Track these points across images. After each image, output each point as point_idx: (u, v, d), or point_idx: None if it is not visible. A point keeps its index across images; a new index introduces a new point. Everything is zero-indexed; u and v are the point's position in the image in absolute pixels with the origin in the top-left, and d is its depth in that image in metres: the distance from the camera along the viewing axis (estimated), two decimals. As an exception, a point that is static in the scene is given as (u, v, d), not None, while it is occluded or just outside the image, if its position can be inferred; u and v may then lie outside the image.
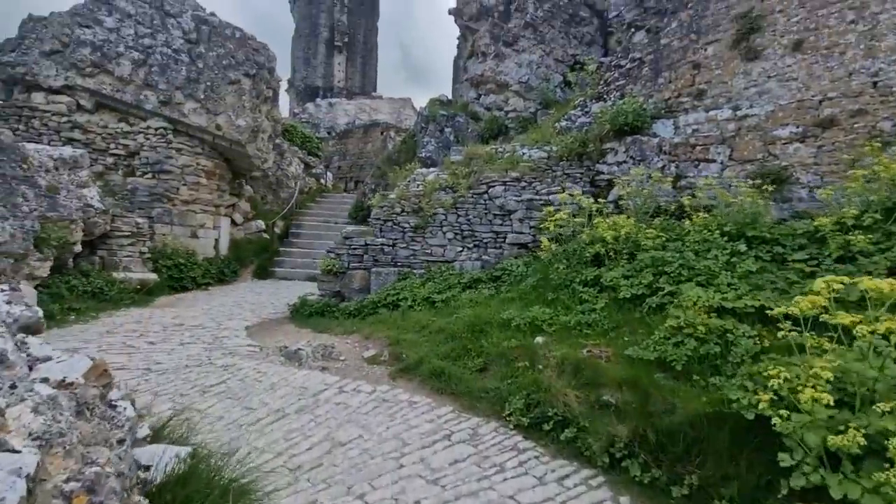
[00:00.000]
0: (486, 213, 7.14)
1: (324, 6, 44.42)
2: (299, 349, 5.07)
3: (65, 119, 9.49)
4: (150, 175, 9.80)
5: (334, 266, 7.29)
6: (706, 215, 5.01)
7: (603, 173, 6.93)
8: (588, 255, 4.75)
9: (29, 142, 9.44)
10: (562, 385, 3.52)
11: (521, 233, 6.94)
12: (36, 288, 5.70)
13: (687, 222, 5.02)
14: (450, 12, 12.42)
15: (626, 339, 3.94)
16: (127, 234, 8.24)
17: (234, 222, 12.46)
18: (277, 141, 14.26)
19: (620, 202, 6.15)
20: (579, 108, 8.13)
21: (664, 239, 4.73)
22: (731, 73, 5.88)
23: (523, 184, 7.05)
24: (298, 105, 30.86)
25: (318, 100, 24.86)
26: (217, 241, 11.22)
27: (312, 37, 42.92)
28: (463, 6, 11.68)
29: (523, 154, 7.64)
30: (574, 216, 5.70)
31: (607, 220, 5.19)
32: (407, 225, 7.32)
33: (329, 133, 22.70)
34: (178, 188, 10.04)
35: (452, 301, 5.70)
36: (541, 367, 3.78)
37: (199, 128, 10.07)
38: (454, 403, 3.89)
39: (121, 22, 9.72)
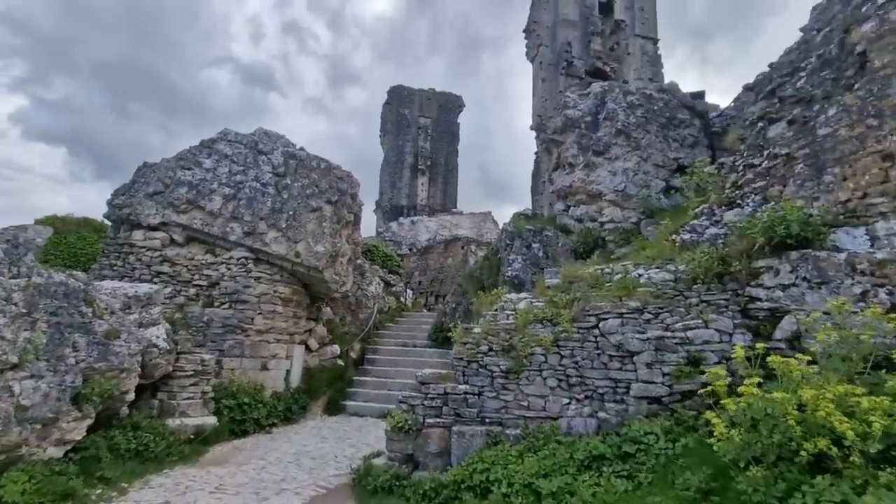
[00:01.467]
0: (598, 354, 5.50)
1: (409, 136, 48.79)
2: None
3: (157, 254, 9.74)
4: (226, 305, 9.50)
5: (406, 422, 5.85)
6: None
7: (760, 300, 5.14)
8: (805, 452, 2.87)
9: (124, 277, 9.75)
10: None
11: (651, 382, 5.14)
12: (66, 455, 4.90)
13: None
14: (531, 128, 12.03)
15: None
16: (190, 373, 7.59)
17: (308, 348, 11.76)
18: (358, 262, 14.02)
19: (804, 345, 4.28)
20: (704, 217, 6.61)
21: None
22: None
23: (647, 315, 5.41)
24: (384, 224, 32.25)
25: (402, 218, 25.61)
26: (289, 371, 10.41)
27: (399, 163, 46.67)
28: (546, 120, 11.23)
29: (639, 276, 6.10)
30: (726, 361, 3.90)
31: (803, 377, 3.38)
32: (496, 368, 5.84)
33: (411, 249, 22.77)
34: (254, 318, 9.60)
35: (568, 498, 3.92)
36: None
37: (278, 256, 9.87)
38: None
39: (218, 162, 10.28)
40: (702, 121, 10.69)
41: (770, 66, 7.30)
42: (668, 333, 5.18)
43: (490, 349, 6.04)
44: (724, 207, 6.47)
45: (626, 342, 5.33)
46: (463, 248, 23.23)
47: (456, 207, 41.85)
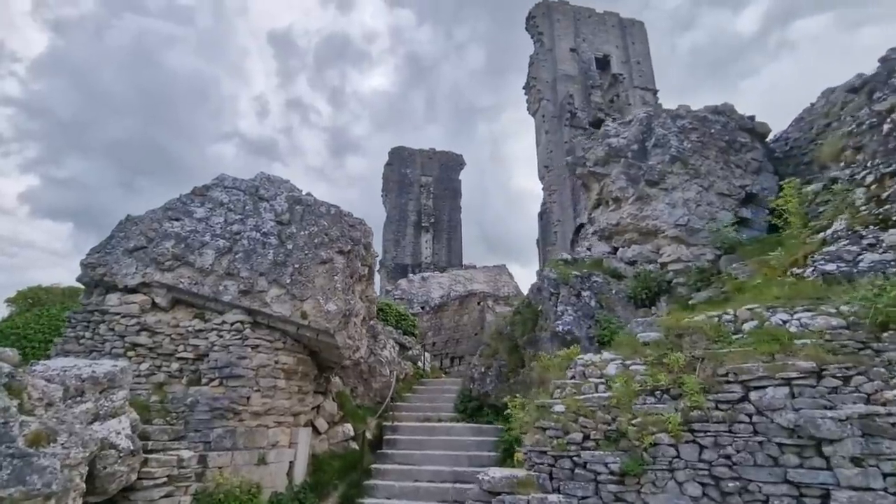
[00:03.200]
0: (760, 444, 3.69)
1: (412, 194, 48.43)
2: None
3: (133, 321, 8.02)
4: (216, 382, 7.65)
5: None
6: None
7: None
8: None
9: (92, 351, 7.97)
10: None
11: (867, 488, 3.30)
12: None
13: None
14: (567, 164, 10.75)
15: None
16: (161, 479, 5.65)
17: (316, 430, 9.71)
18: (371, 323, 12.25)
19: None
20: (845, 242, 5.01)
21: None
22: None
23: (831, 381, 3.67)
24: (390, 282, 30.61)
25: (411, 275, 24.01)
26: (292, 464, 8.35)
27: (402, 221, 45.90)
28: (585, 152, 9.94)
29: (782, 322, 4.40)
30: None
31: None
32: (603, 469, 3.99)
33: (423, 308, 20.98)
34: (250, 396, 7.71)
35: None
36: None
37: (281, 317, 8.15)
38: None
39: (212, 211, 8.83)
40: (763, 144, 9.41)
41: (880, 60, 6.04)
42: (881, 409, 3.40)
43: (586, 437, 4.22)
44: (871, 227, 4.88)
45: (810, 424, 3.54)
46: (479, 303, 21.47)
47: (462, 264, 40.50)
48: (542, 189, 34.92)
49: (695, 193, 8.83)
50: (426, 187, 49.13)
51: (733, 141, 9.11)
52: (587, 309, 8.73)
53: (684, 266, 8.25)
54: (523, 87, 38.85)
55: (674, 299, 8.30)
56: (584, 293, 8.98)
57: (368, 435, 10.74)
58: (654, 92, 36.68)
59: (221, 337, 7.99)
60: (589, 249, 11.27)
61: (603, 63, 36.90)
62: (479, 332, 21.92)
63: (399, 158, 50.10)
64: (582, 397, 4.63)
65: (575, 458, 4.11)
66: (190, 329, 8.13)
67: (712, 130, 9.09)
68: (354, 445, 10.12)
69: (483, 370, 12.30)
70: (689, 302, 7.65)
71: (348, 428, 10.32)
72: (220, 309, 8.24)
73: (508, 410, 11.45)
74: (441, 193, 49.90)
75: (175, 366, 7.88)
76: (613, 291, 9.08)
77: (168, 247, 8.26)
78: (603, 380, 4.83)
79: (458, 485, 8.56)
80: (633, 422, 4.11)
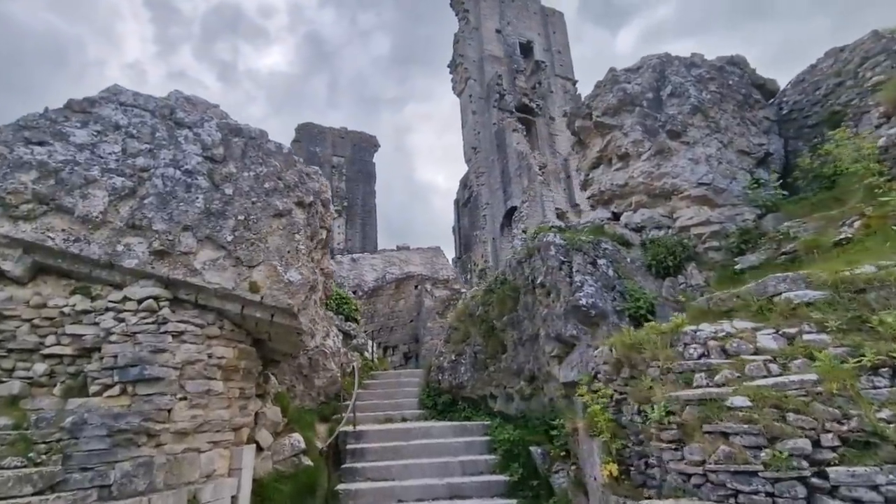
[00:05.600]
0: None
1: (323, 175, 44.58)
2: None
3: (-40, 299, 4.95)
4: (116, 390, 4.94)
5: None
6: None
7: None
8: None
9: None
10: None
11: None
12: None
13: None
14: (565, 114, 9.29)
15: None
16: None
17: (258, 446, 7.23)
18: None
19: None
20: None
21: None
22: None
23: None
24: (306, 267, 27.44)
25: (339, 256, 21.34)
26: (236, 498, 5.87)
27: (313, 202, 41.81)
28: (591, 100, 8.57)
29: None
30: None
31: None
32: (871, 495, 2.49)
33: (355, 292, 18.56)
34: (171, 409, 5.11)
35: None
36: None
37: (219, 291, 5.61)
38: None
39: (101, 136, 5.89)
40: (770, 103, 8.82)
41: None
42: None
43: (816, 443, 2.67)
44: None
45: None
46: (417, 287, 19.62)
47: (376, 251, 38.16)
48: (469, 172, 33.83)
49: (715, 150, 7.90)
50: (338, 168, 45.70)
51: (748, 96, 8.37)
52: (606, 279, 7.38)
53: (720, 228, 7.25)
54: (448, 66, 37.31)
55: (706, 266, 7.29)
56: (600, 261, 7.63)
57: (318, 442, 8.46)
58: (574, 82, 37.47)
59: (122, 321, 5.24)
60: (524, 232, 10.05)
61: (526, 49, 36.73)
62: (414, 319, 20.09)
63: (308, 135, 45.98)
64: (761, 383, 3.12)
65: (812, 481, 2.57)
66: (67, 311, 5.25)
67: (730, 82, 8.25)
68: (307, 461, 7.77)
69: (454, 358, 10.56)
70: (736, 268, 6.63)
71: (297, 439, 7.92)
72: (120, 280, 5.46)
73: (491, 403, 9.98)
74: (354, 176, 46.82)
75: (41, 367, 5.00)
76: (629, 260, 7.86)
77: (26, 182, 5.24)
78: (767, 357, 3.38)
79: (457, 501, 6.76)
80: (882, 415, 2.70)
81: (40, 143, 5.57)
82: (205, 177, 6.01)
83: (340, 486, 7.16)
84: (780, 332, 3.59)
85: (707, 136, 7.89)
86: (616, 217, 8.96)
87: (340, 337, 12.26)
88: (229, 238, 5.71)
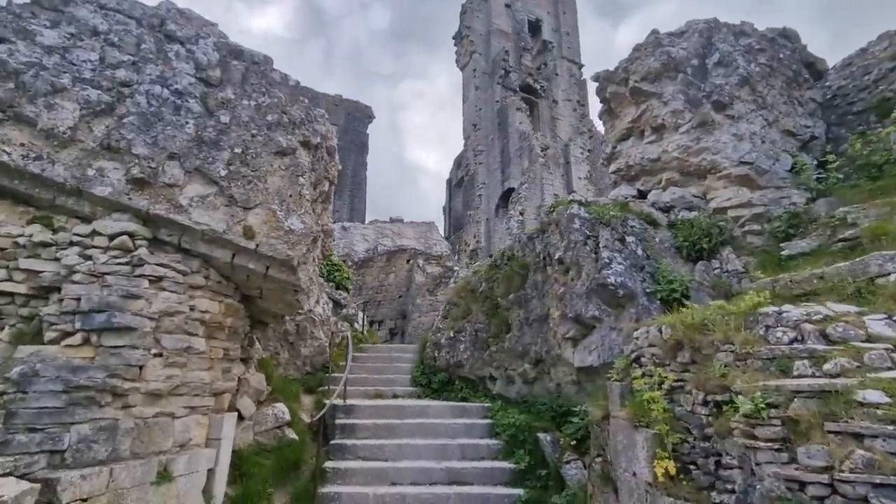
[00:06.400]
0: None
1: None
2: None
3: None
4: (78, 338, 4.13)
5: None
6: None
7: None
8: None
9: None
10: None
11: None
12: None
13: None
14: (594, 78, 8.55)
15: None
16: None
17: (239, 415, 6.50)
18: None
19: None
20: None
21: None
22: None
23: None
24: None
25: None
26: (212, 472, 5.15)
27: (302, 169, 40.50)
28: (629, 63, 7.82)
29: None
30: None
31: None
32: None
33: (345, 262, 17.74)
34: (144, 366, 4.33)
35: None
36: None
37: (207, 234, 4.79)
38: None
39: (75, 40, 4.93)
40: (818, 85, 8.21)
41: None
42: None
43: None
44: None
45: None
46: (409, 261, 18.87)
47: (364, 224, 37.18)
48: (466, 149, 32.84)
49: (759, 128, 7.28)
50: (330, 137, 44.21)
51: (798, 73, 7.74)
52: (635, 258, 6.75)
53: (763, 210, 6.65)
54: (453, 38, 35.93)
55: (744, 251, 6.71)
56: (629, 238, 6.99)
57: (304, 417, 7.78)
58: (580, 66, 36.52)
59: (90, 259, 4.40)
60: (521, 214, 9.38)
61: (534, 27, 35.57)
62: (403, 295, 19.39)
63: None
64: (889, 375, 2.52)
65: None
66: (22, 241, 4.38)
67: (781, 55, 7.59)
68: (291, 434, 7.08)
69: (452, 335, 9.91)
70: (783, 254, 6.06)
71: (281, 410, 7.21)
72: (89, 211, 4.59)
73: (490, 385, 9.39)
74: (346, 145, 45.35)
75: (-14, 306, 4.15)
76: (657, 240, 7.24)
77: (-23, 80, 4.30)
78: (888, 346, 2.79)
79: (456, 488, 6.16)
80: None
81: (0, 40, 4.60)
82: (197, 100, 5.12)
83: (329, 464, 6.49)
84: (893, 318, 2.99)
85: (752, 111, 7.25)
86: (642, 195, 8.32)
87: (330, 305, 11.51)
88: (223, 172, 4.86)
